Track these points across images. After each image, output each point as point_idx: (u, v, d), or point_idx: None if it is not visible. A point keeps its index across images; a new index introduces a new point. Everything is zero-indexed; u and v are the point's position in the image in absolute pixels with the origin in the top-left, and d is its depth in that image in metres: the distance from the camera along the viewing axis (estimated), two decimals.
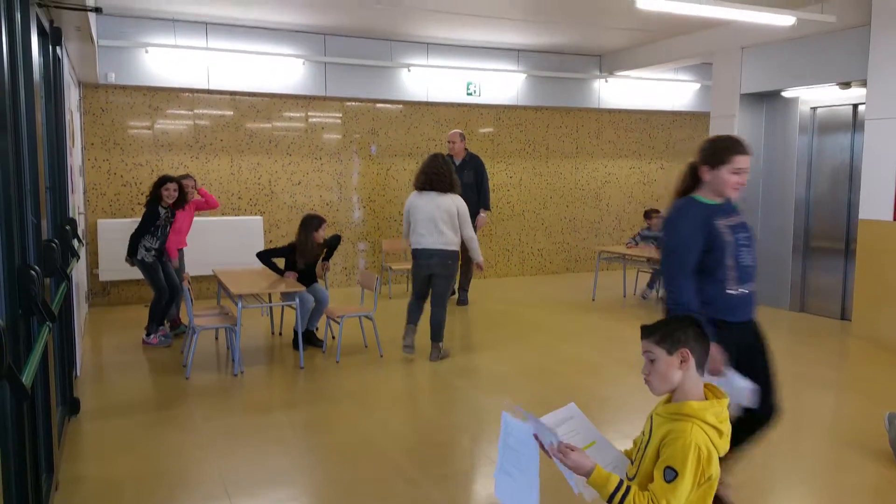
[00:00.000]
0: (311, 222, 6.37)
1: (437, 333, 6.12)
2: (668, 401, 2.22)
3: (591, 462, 2.14)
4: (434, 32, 8.99)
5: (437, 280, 6.03)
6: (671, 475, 2.04)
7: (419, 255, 6.02)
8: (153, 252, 6.46)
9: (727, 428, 2.14)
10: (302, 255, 6.34)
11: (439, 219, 5.88)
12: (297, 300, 5.98)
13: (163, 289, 6.51)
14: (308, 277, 6.40)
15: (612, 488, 2.09)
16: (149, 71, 8.21)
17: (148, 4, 7.57)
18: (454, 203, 5.95)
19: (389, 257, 9.68)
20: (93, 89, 8.19)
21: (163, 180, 6.54)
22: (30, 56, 3.02)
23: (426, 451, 4.28)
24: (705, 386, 2.22)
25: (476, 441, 4.37)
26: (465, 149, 8.29)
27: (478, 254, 6.21)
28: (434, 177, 5.95)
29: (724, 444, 2.13)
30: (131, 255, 6.46)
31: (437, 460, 4.14)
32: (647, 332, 2.23)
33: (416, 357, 6.16)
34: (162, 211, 6.47)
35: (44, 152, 3.66)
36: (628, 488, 2.08)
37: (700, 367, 2.18)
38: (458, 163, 8.17)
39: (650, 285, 8.97)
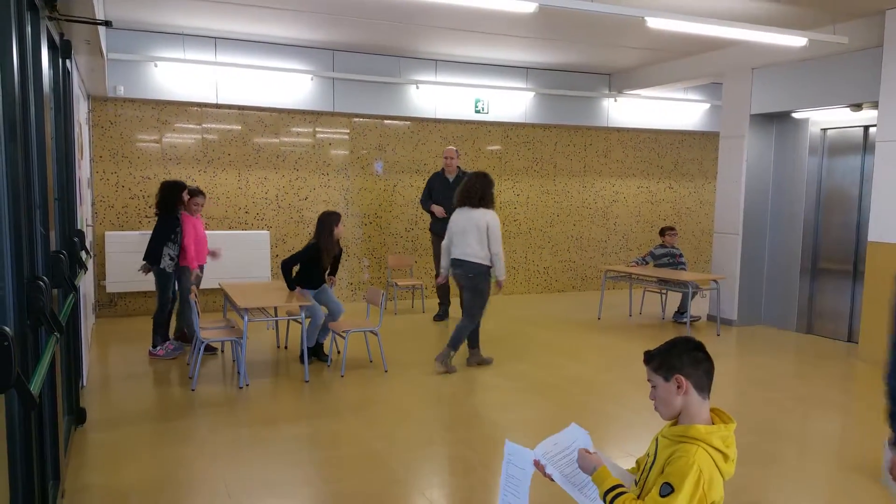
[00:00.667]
0: (330, 218, 6.44)
1: (454, 341, 6.23)
2: (675, 423, 2.20)
3: (599, 462, 2.20)
4: (443, 49, 9.03)
5: (465, 292, 6.34)
6: (667, 490, 2.04)
7: (452, 264, 6.34)
8: (175, 262, 6.46)
9: (733, 452, 2.13)
10: (327, 252, 6.37)
11: (468, 231, 6.14)
12: (304, 314, 5.98)
13: (168, 301, 6.51)
14: (318, 280, 6.40)
15: (608, 485, 2.13)
16: (158, 84, 8.26)
17: (157, 19, 7.63)
18: (484, 218, 6.12)
19: (395, 273, 9.67)
20: (102, 102, 8.24)
21: (181, 186, 6.51)
22: (40, 69, 3.04)
23: (431, 465, 4.25)
24: (712, 410, 2.20)
25: (481, 456, 4.34)
26: (458, 166, 8.35)
27: (501, 271, 6.23)
28: (465, 193, 6.24)
29: (730, 469, 2.12)
30: (155, 263, 6.39)
31: (442, 475, 4.11)
32: (647, 359, 2.26)
33: (424, 372, 6.15)
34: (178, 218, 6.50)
35: (53, 164, 3.68)
36: (623, 492, 2.11)
37: (701, 390, 2.17)
38: (451, 179, 8.25)
39: (681, 311, 8.63)
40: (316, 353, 6.44)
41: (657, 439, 2.22)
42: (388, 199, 9.77)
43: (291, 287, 6.34)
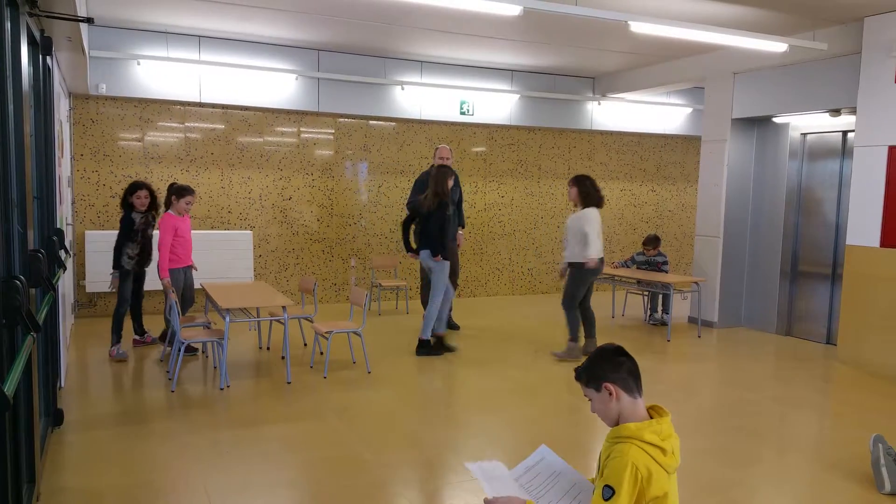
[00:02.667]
0: (446, 170, 6.95)
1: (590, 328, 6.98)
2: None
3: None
4: (428, 51, 9.03)
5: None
6: (608, 493, 2.09)
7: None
8: (134, 259, 6.51)
9: (671, 444, 2.15)
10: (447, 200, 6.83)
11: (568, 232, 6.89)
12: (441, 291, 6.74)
13: (125, 300, 6.53)
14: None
15: None
16: (140, 83, 8.21)
17: (140, 16, 7.58)
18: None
19: (380, 274, 9.66)
20: (83, 100, 8.17)
21: (133, 187, 6.55)
22: (19, 65, 3.01)
23: (412, 467, 4.25)
24: (651, 407, 2.25)
25: (462, 458, 4.34)
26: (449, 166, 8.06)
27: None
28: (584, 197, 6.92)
29: (671, 461, 2.14)
30: (117, 266, 6.48)
31: (423, 476, 4.11)
32: (577, 377, 2.34)
33: (407, 373, 6.15)
34: (137, 217, 6.50)
35: (32, 162, 3.64)
36: None
37: (630, 391, 2.21)
38: None
39: (654, 309, 8.88)
40: (440, 344, 6.88)
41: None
42: (374, 199, 9.76)
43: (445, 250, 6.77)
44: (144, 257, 6.60)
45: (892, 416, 5.35)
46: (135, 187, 6.54)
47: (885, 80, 6.52)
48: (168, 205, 6.55)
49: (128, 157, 8.42)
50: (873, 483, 3.97)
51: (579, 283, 6.83)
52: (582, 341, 6.90)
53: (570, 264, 6.83)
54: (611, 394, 2.20)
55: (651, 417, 2.22)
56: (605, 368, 2.23)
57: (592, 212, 6.80)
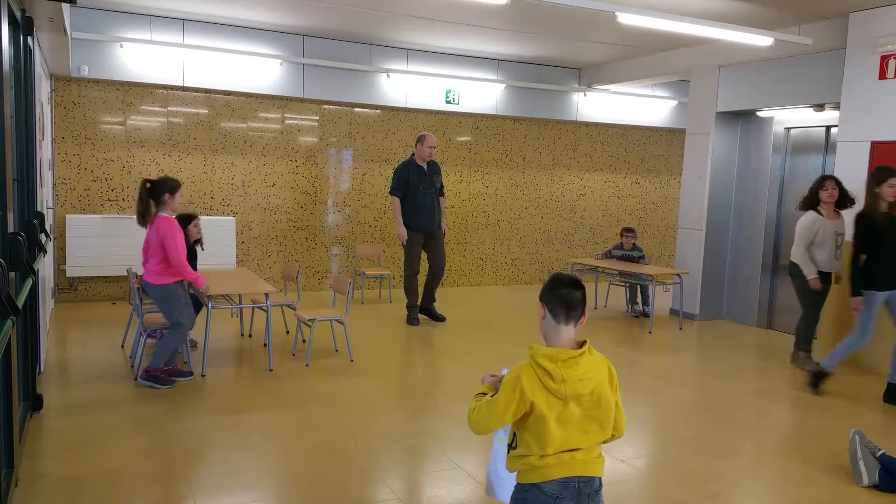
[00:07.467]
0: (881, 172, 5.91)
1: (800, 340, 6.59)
2: None
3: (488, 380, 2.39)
4: (414, 38, 8.98)
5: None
6: (494, 393, 2.24)
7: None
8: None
9: (565, 374, 2.17)
10: None
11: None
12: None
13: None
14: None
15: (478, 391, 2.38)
16: (123, 66, 8.10)
17: None
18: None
19: (363, 262, 9.64)
20: (65, 82, 8.06)
21: (188, 218, 6.09)
22: None
23: (393, 455, 4.25)
24: (583, 342, 2.28)
25: (443, 446, 4.35)
26: None
27: (804, 271, 6.27)
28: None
29: (560, 388, 2.16)
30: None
31: (404, 464, 4.11)
32: None
33: (389, 362, 6.15)
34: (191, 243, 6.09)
35: (12, 144, 3.59)
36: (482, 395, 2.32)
37: (556, 316, 2.26)
38: (426, 169, 7.73)
39: (635, 301, 8.94)
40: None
41: None
42: (358, 187, 9.72)
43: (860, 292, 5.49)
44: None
45: (870, 410, 5.42)
46: (189, 218, 6.10)
47: (868, 76, 6.57)
48: (157, 204, 5.27)
49: (110, 140, 8.32)
50: (851, 476, 4.02)
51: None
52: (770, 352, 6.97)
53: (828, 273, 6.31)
54: (542, 315, 2.29)
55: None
56: (545, 290, 2.29)
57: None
